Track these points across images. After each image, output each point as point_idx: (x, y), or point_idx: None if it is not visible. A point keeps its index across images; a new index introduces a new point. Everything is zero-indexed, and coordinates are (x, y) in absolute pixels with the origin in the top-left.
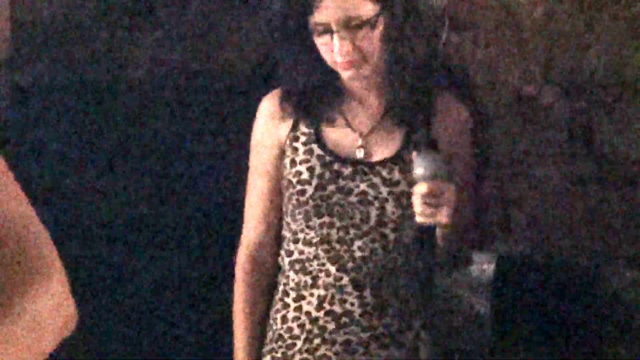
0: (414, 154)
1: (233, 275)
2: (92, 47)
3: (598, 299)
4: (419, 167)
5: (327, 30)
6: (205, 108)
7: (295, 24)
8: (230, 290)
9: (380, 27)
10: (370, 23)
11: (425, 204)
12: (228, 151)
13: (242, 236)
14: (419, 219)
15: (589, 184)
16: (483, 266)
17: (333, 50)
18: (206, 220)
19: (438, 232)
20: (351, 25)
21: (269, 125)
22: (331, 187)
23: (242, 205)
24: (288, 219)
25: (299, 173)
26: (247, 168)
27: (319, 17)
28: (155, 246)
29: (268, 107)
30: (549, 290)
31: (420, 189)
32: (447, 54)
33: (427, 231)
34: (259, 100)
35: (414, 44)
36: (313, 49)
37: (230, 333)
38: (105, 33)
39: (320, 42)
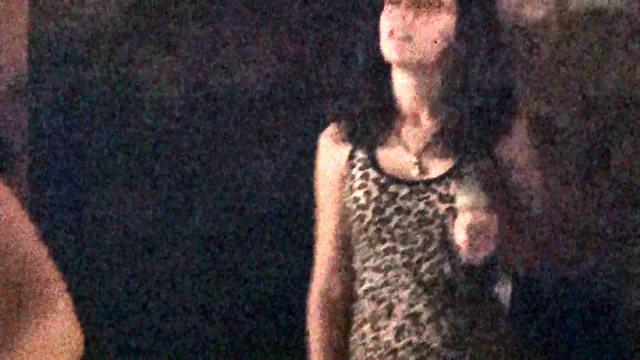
0: (453, 183)
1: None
2: (108, 69)
3: (615, 321)
4: (462, 197)
5: (398, 1)
6: (219, 129)
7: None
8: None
9: (448, 23)
10: (441, 6)
11: (469, 235)
12: (242, 171)
13: (314, 275)
14: (462, 252)
15: (606, 206)
16: (500, 286)
17: (392, 20)
18: (221, 241)
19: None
20: (423, 1)
21: (328, 160)
22: (389, 210)
23: (258, 226)
24: (356, 247)
25: (357, 199)
26: (262, 185)
27: None
28: (164, 270)
29: (325, 142)
30: (567, 311)
31: (464, 220)
32: None
33: None
34: (275, 120)
35: (484, 62)
36: (373, 73)
37: None
38: (122, 56)
39: (385, 15)
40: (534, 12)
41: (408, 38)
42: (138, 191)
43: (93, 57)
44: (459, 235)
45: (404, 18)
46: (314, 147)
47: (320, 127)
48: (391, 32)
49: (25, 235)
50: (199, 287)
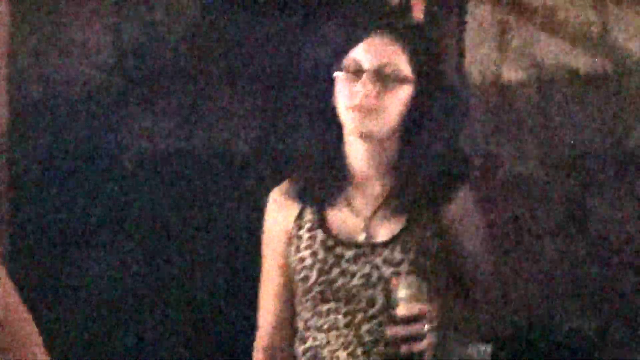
0: (394, 279)
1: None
2: (88, 127)
3: None
4: (401, 291)
5: (357, 70)
6: (200, 187)
7: (319, 89)
8: None
9: (407, 94)
10: (403, 80)
11: (406, 330)
12: (223, 227)
13: (258, 333)
14: (401, 345)
15: (583, 264)
16: (479, 347)
17: (354, 92)
18: (200, 302)
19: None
20: (384, 73)
21: (277, 218)
22: (335, 271)
23: (236, 286)
24: (299, 307)
25: (303, 259)
26: (239, 246)
27: (358, 54)
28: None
29: (275, 199)
30: None
31: (401, 311)
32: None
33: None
34: (255, 181)
35: (437, 130)
36: (326, 127)
37: None
38: (101, 114)
39: (344, 81)
40: (512, 72)
41: (373, 111)
42: (119, 248)
43: (74, 116)
44: (397, 328)
45: (368, 91)
46: None
47: None
48: (356, 106)
49: (12, 300)
50: (181, 342)
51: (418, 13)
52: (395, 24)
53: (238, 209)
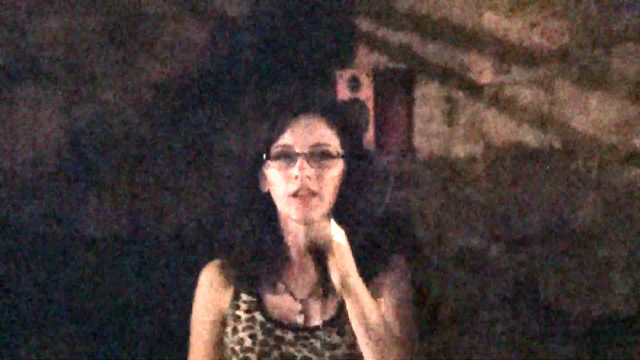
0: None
1: None
2: (43, 208)
3: None
4: None
5: (289, 155)
6: (150, 268)
7: (247, 178)
8: None
9: (340, 170)
10: (335, 157)
11: None
12: (173, 309)
13: None
14: None
15: (535, 337)
16: None
17: (290, 178)
18: None
19: None
20: (317, 153)
21: (210, 297)
22: (274, 354)
23: None
24: None
25: (242, 340)
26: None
27: (287, 139)
28: None
29: (208, 278)
30: None
31: None
32: (394, 210)
33: None
34: (202, 262)
35: (364, 199)
36: (259, 210)
37: None
38: (57, 195)
39: (277, 169)
40: (460, 147)
41: (314, 194)
42: (68, 328)
43: (26, 196)
44: None
45: (306, 174)
46: None
47: None
48: (296, 192)
49: None
50: None
51: (367, 90)
52: (321, 103)
53: (189, 288)
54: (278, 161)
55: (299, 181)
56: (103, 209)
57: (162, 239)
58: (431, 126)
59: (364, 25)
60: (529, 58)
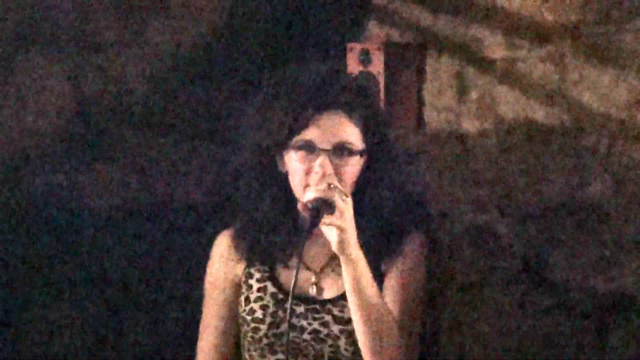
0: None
1: None
2: (51, 179)
3: None
4: None
5: (311, 149)
6: (157, 237)
7: (265, 157)
8: None
9: (360, 164)
10: (359, 154)
11: None
12: (181, 282)
13: None
14: None
15: (543, 313)
16: None
17: (310, 171)
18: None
19: None
20: (339, 150)
21: (223, 265)
22: (284, 325)
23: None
24: (245, 354)
25: (253, 311)
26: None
27: (310, 134)
28: None
29: (222, 246)
30: None
31: None
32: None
33: None
34: (213, 235)
35: (388, 191)
36: (275, 186)
37: None
38: (65, 166)
39: (297, 160)
40: (471, 123)
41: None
42: (80, 303)
43: (32, 166)
44: None
45: (326, 170)
46: None
47: None
48: (307, 186)
49: None
50: None
51: (378, 64)
52: (345, 99)
53: (200, 261)
54: (299, 152)
55: (319, 177)
56: (112, 180)
57: (173, 209)
58: (441, 101)
59: None
60: (541, 34)
